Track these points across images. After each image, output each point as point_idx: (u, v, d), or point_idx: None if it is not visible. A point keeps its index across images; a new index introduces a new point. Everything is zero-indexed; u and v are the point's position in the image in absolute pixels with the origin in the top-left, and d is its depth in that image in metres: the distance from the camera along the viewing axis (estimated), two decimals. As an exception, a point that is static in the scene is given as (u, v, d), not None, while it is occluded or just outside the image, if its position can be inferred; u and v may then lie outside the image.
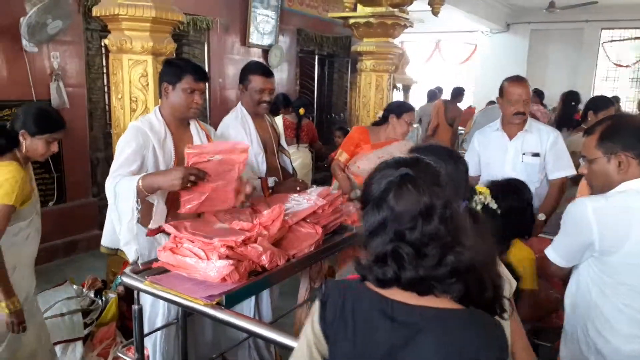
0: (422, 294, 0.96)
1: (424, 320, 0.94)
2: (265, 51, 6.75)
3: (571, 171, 2.78)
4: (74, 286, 3.12)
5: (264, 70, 2.67)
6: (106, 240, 2.23)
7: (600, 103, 3.68)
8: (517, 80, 2.81)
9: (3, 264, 2.01)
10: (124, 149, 2.11)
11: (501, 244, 2.01)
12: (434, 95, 8.25)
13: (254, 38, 6.45)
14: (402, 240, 0.95)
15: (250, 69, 2.68)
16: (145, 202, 2.03)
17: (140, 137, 2.13)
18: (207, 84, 2.25)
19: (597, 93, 10.64)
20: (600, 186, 1.69)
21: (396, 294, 0.98)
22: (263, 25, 6.56)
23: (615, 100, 7.74)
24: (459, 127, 7.19)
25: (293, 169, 3.06)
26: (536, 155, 2.79)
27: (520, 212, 2.19)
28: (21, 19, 3.89)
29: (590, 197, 1.70)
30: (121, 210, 2.00)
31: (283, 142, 3.01)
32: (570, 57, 10.64)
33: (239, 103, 2.75)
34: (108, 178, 2.07)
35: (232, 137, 2.64)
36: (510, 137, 2.84)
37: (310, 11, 7.50)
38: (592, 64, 10.65)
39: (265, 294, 2.63)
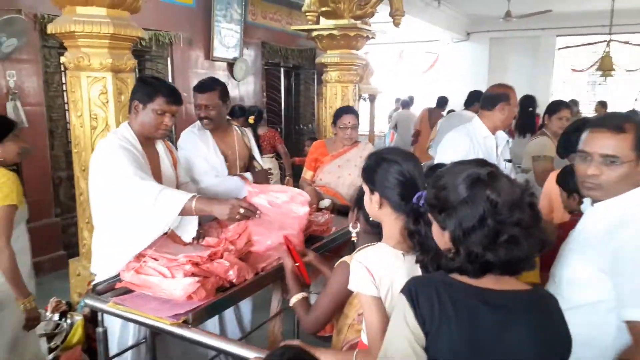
0: (514, 274, 1.10)
1: (516, 303, 1.08)
2: (230, 64, 6.73)
3: None
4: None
5: (197, 88, 2.74)
6: (101, 271, 2.06)
7: (552, 106, 3.80)
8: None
9: (16, 265, 2.16)
10: (116, 157, 2.00)
11: None
12: (407, 103, 9.16)
13: (218, 52, 6.43)
14: (504, 228, 1.04)
15: (193, 88, 2.77)
16: None
17: (124, 149, 2.05)
18: (179, 106, 2.21)
19: (555, 98, 11.02)
20: (618, 190, 1.46)
21: (482, 283, 1.09)
22: (227, 39, 6.55)
23: (573, 103, 8.03)
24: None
25: None
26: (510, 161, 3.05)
27: None
28: (-26, 37, 3.79)
29: None
30: (154, 216, 1.91)
31: (256, 155, 3.03)
32: (528, 63, 11.00)
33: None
34: (129, 181, 1.94)
35: (189, 149, 2.71)
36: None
37: (273, 24, 7.54)
38: (549, 70, 11.02)
39: (228, 310, 2.61)
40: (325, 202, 3.10)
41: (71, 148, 4.56)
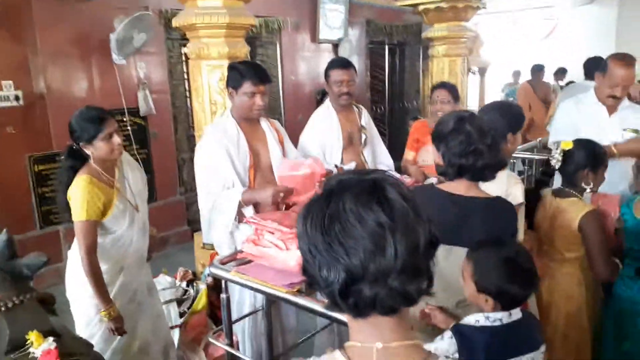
0: (480, 179, 1.64)
1: (475, 204, 1.61)
2: (335, 45, 6.80)
3: None
4: (168, 278, 3.38)
5: (341, 63, 2.79)
6: (208, 238, 2.45)
7: None
8: (622, 60, 2.59)
9: (100, 276, 2.13)
10: (203, 163, 2.32)
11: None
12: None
13: (323, 33, 6.53)
14: (476, 146, 1.59)
15: (329, 65, 2.82)
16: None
17: (216, 140, 2.29)
18: (268, 85, 2.34)
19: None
20: None
21: (455, 189, 1.64)
22: (332, 20, 6.61)
23: None
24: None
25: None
26: (636, 131, 2.64)
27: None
28: (110, 35, 4.24)
29: None
30: (219, 221, 2.24)
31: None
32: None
33: (327, 99, 2.91)
34: (201, 196, 2.32)
35: (311, 131, 2.83)
36: (610, 112, 2.71)
37: (378, 1, 7.44)
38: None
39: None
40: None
41: (192, 132, 5.01)
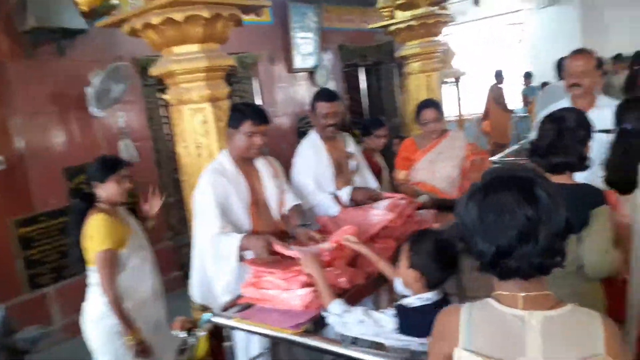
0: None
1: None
2: (311, 73, 6.87)
3: None
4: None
5: (327, 97, 2.83)
6: (197, 296, 2.40)
7: None
8: (576, 52, 2.76)
9: (119, 304, 2.31)
10: (204, 203, 2.27)
11: None
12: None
13: (298, 63, 6.59)
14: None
15: (316, 97, 2.87)
16: None
17: (215, 183, 2.28)
18: (267, 125, 2.37)
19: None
20: None
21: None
22: (305, 47, 6.69)
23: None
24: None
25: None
26: (608, 131, 2.65)
27: None
28: (87, 88, 4.22)
29: None
30: (223, 268, 2.20)
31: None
32: (627, 15, 9.89)
33: (313, 129, 2.94)
34: (200, 237, 2.28)
35: (301, 162, 2.85)
36: None
37: (349, 25, 7.57)
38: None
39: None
40: (423, 198, 3.06)
41: (176, 175, 4.97)
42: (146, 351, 2.36)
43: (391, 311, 1.60)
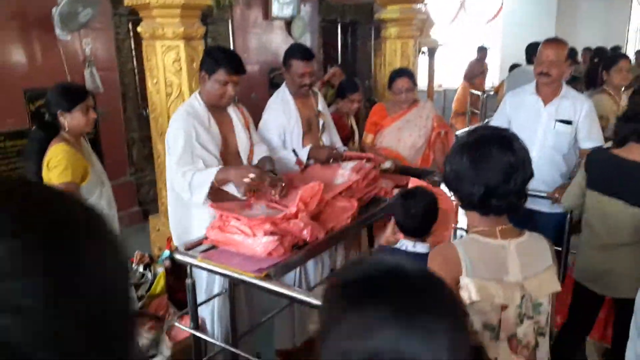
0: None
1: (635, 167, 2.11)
2: (288, 23, 6.73)
3: (600, 142, 2.72)
4: (124, 262, 3.33)
5: (303, 55, 2.72)
6: (174, 237, 2.40)
7: (609, 60, 3.56)
8: (548, 41, 2.79)
9: None
10: (176, 141, 2.23)
11: None
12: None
13: (275, 10, 6.44)
14: None
15: (290, 53, 2.74)
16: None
17: (187, 125, 2.24)
18: (241, 75, 2.30)
19: (631, 47, 10.23)
20: None
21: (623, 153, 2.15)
22: (284, -4, 6.52)
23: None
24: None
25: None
26: (568, 123, 2.77)
27: None
28: (53, 9, 4.01)
29: None
30: (196, 201, 2.19)
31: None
32: (601, 9, 10.20)
33: (284, 83, 2.84)
34: (174, 173, 2.22)
35: (270, 118, 2.77)
36: (545, 102, 2.81)
37: (330, -21, 7.41)
38: (625, 16, 10.21)
39: (311, 265, 2.76)
40: (387, 164, 3.15)
41: (141, 111, 4.87)
42: None
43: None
